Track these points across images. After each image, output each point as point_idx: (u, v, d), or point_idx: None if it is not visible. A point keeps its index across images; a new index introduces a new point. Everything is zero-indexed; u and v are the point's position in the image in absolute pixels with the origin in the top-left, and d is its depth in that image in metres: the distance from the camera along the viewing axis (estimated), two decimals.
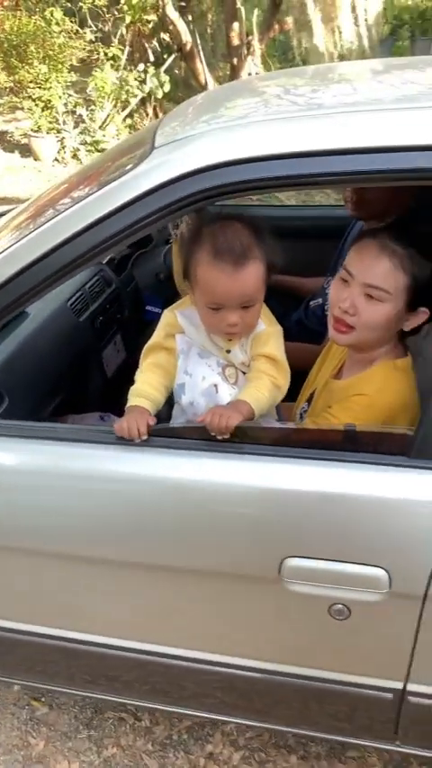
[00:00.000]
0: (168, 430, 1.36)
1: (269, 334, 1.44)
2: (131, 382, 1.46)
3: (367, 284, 1.36)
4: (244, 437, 1.26)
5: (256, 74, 7.44)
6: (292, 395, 1.56)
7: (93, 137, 7.07)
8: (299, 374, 1.62)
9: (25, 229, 1.35)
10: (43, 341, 1.77)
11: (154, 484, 1.28)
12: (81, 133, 7.11)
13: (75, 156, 7.09)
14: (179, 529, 1.28)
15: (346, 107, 1.26)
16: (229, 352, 1.44)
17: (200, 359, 1.43)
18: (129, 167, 1.26)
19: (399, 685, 1.31)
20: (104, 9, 7.90)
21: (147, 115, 7.65)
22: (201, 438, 1.25)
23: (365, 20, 6.81)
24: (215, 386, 1.40)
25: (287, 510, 1.21)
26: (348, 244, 2.25)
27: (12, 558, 1.44)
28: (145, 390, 1.41)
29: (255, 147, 1.16)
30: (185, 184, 1.18)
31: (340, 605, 1.23)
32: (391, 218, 1.98)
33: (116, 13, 7.91)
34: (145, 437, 1.26)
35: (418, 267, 1.37)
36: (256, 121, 1.25)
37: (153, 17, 7.68)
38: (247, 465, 1.23)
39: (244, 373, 1.45)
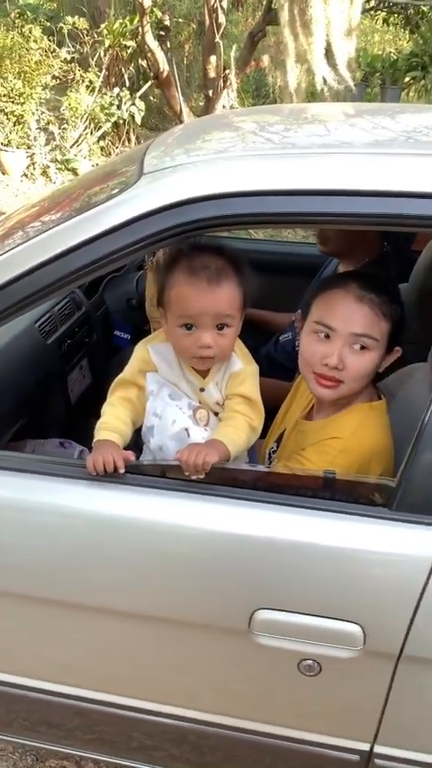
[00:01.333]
0: (137, 467, 1.30)
1: (246, 373, 1.40)
2: (95, 409, 1.40)
3: (355, 334, 1.34)
4: (218, 479, 1.21)
5: (231, 107, 7.54)
6: (261, 432, 1.52)
7: (64, 155, 7.02)
8: (268, 411, 1.58)
9: (2, 248, 1.28)
10: (8, 362, 1.69)
11: (118, 524, 1.21)
12: (52, 150, 7.06)
13: (44, 173, 7.02)
14: (143, 573, 1.21)
15: (342, 147, 1.28)
16: (203, 390, 1.39)
17: (170, 400, 1.37)
18: (116, 191, 1.21)
19: (366, 747, 1.26)
20: (84, 31, 7.92)
21: (119, 139, 7.65)
22: (172, 477, 1.19)
23: (343, 64, 6.99)
24: (186, 429, 1.34)
25: (260, 559, 1.16)
26: (321, 280, 2.26)
27: None
28: (114, 424, 1.34)
29: (252, 181, 1.14)
30: (175, 213, 1.14)
31: (311, 661, 1.17)
32: (366, 260, 1.99)
33: (96, 36, 7.93)
34: (122, 471, 1.19)
35: (393, 310, 1.37)
36: (254, 155, 1.24)
37: (132, 43, 7.73)
38: (220, 508, 1.18)
39: (216, 414, 1.41)
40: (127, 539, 1.20)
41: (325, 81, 7.08)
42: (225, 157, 1.26)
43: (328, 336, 1.37)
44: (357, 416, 1.41)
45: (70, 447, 1.90)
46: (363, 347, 1.35)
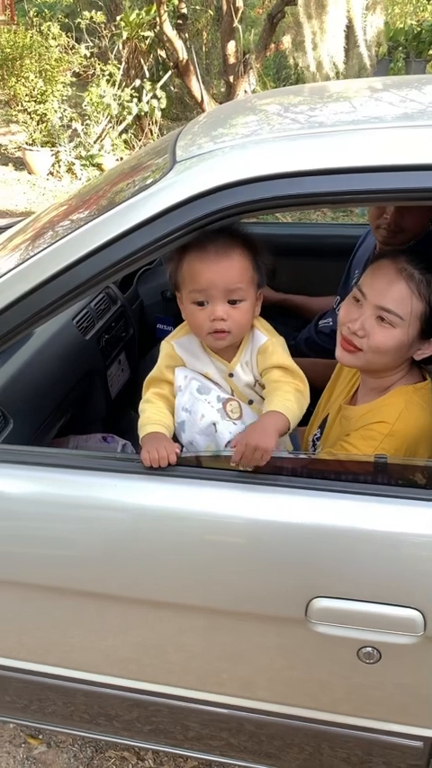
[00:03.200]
0: (190, 458, 1.29)
1: (273, 344, 1.38)
2: (135, 403, 1.40)
3: (380, 307, 1.32)
4: (268, 467, 1.19)
5: (253, 92, 7.45)
6: (304, 418, 1.49)
7: (88, 151, 7.04)
8: (312, 392, 1.56)
9: (40, 244, 1.28)
10: (49, 360, 1.70)
11: (170, 516, 1.21)
12: (76, 147, 7.08)
13: (70, 170, 7.05)
14: (197, 565, 1.21)
15: (372, 123, 1.24)
16: (231, 375, 1.38)
17: (199, 395, 1.36)
18: (149, 182, 1.20)
19: (430, 733, 1.24)
20: (102, 25, 7.90)
21: (142, 131, 7.63)
22: (223, 468, 1.18)
23: (365, 40, 6.85)
24: (214, 424, 1.33)
25: (314, 547, 1.14)
26: (357, 263, 2.21)
27: (7, 590, 1.37)
28: (157, 417, 1.35)
29: (284, 163, 1.13)
30: (210, 200, 1.13)
31: (370, 648, 1.16)
32: (411, 240, 1.93)
33: (113, 28, 7.91)
34: (175, 463, 1.20)
35: None
36: (284, 137, 1.21)
37: (150, 34, 7.69)
38: (272, 498, 1.16)
39: (250, 402, 1.39)
40: (179, 531, 1.20)
41: (346, 59, 6.96)
42: (255, 141, 1.24)
43: (358, 301, 1.35)
44: (402, 399, 1.38)
45: (113, 441, 1.91)
46: (384, 321, 1.31)
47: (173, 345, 1.42)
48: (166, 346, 1.44)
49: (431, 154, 1.09)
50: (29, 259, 1.24)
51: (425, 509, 1.11)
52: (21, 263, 1.26)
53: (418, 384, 1.40)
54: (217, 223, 1.16)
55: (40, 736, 1.83)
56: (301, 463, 1.25)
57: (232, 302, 1.29)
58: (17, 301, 1.22)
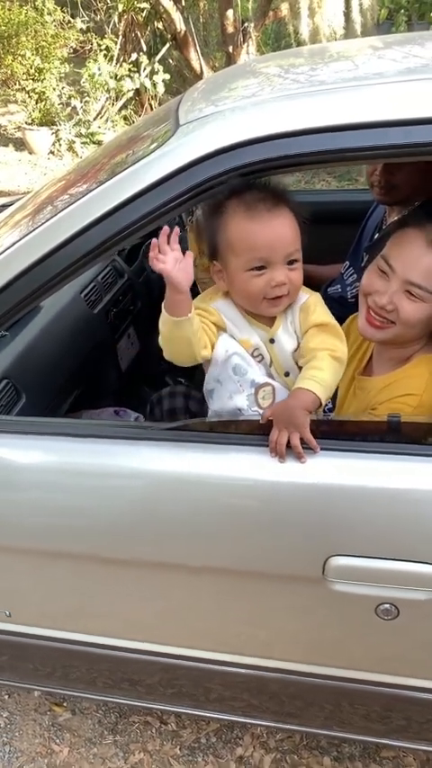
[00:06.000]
0: (205, 424, 1.30)
1: (314, 302, 1.31)
2: (146, 376, 1.38)
3: (409, 282, 1.28)
4: None
5: None
6: None
7: (88, 128, 6.97)
8: None
9: (42, 217, 1.28)
10: (58, 334, 1.70)
11: (189, 481, 1.21)
12: (76, 125, 7.01)
13: (70, 149, 6.99)
14: (215, 527, 1.22)
15: (374, 78, 1.22)
16: (272, 341, 1.31)
17: (233, 375, 1.29)
18: (154, 147, 1.19)
19: None
20: None
21: (141, 106, 7.54)
22: (239, 432, 1.19)
23: (360, 4, 6.71)
24: (239, 410, 1.29)
25: (332, 506, 1.15)
26: (368, 229, 2.18)
27: (30, 559, 1.39)
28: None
29: (294, 121, 1.12)
30: (214, 162, 1.13)
31: (388, 605, 1.17)
32: (418, 201, 1.90)
33: (108, 1, 7.78)
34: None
35: None
36: (293, 95, 1.20)
37: (146, 5, 7.56)
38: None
39: (287, 374, 1.32)
40: (196, 495, 1.21)
41: (346, 23, 6.84)
42: (255, 102, 1.22)
43: (385, 274, 1.31)
44: (426, 369, 1.35)
45: (125, 415, 1.92)
46: (413, 295, 1.28)
47: (218, 310, 1.30)
48: (209, 309, 1.30)
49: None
50: (32, 231, 1.24)
51: None
52: (24, 236, 1.25)
53: None
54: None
55: (65, 704, 1.86)
56: (319, 424, 1.25)
57: (290, 263, 1.23)
58: (23, 274, 1.22)
